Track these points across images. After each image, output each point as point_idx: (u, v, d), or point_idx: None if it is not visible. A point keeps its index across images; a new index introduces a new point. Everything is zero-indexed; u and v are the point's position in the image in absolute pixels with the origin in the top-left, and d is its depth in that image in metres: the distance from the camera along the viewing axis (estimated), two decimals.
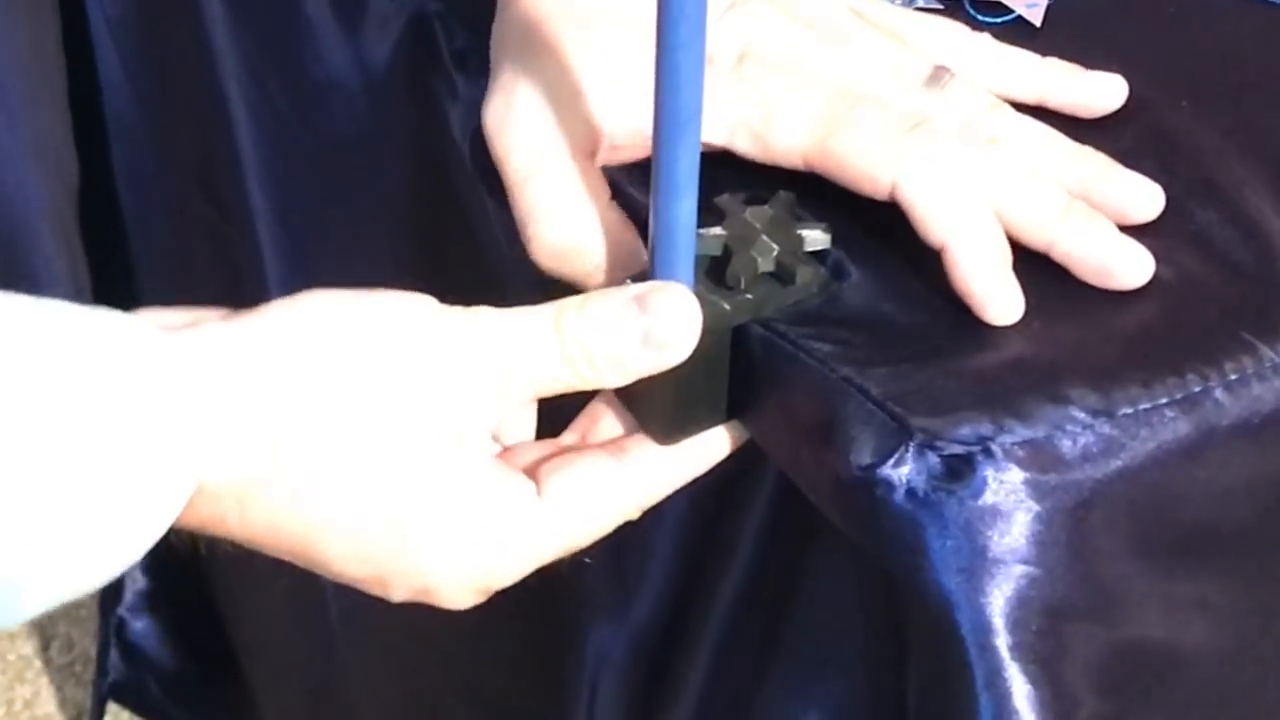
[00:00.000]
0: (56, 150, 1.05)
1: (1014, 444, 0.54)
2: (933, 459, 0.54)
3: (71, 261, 1.10)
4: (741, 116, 0.61)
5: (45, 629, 1.54)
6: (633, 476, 0.58)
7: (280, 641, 1.13)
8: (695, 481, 0.61)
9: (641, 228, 0.60)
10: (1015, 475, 0.54)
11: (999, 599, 0.54)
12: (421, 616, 0.59)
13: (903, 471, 0.54)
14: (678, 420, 0.59)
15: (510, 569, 0.57)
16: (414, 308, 0.55)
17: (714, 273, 0.58)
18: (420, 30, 0.73)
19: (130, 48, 0.99)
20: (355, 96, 0.80)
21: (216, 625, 1.22)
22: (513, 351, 0.55)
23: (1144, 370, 0.56)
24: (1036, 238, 0.59)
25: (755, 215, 0.60)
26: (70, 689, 1.51)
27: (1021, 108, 0.63)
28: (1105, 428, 0.55)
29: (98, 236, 1.09)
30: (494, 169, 0.64)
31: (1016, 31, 0.69)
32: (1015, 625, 0.54)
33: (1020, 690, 0.54)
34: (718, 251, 0.59)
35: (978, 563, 0.54)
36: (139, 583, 1.26)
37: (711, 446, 0.60)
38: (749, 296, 0.58)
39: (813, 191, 0.61)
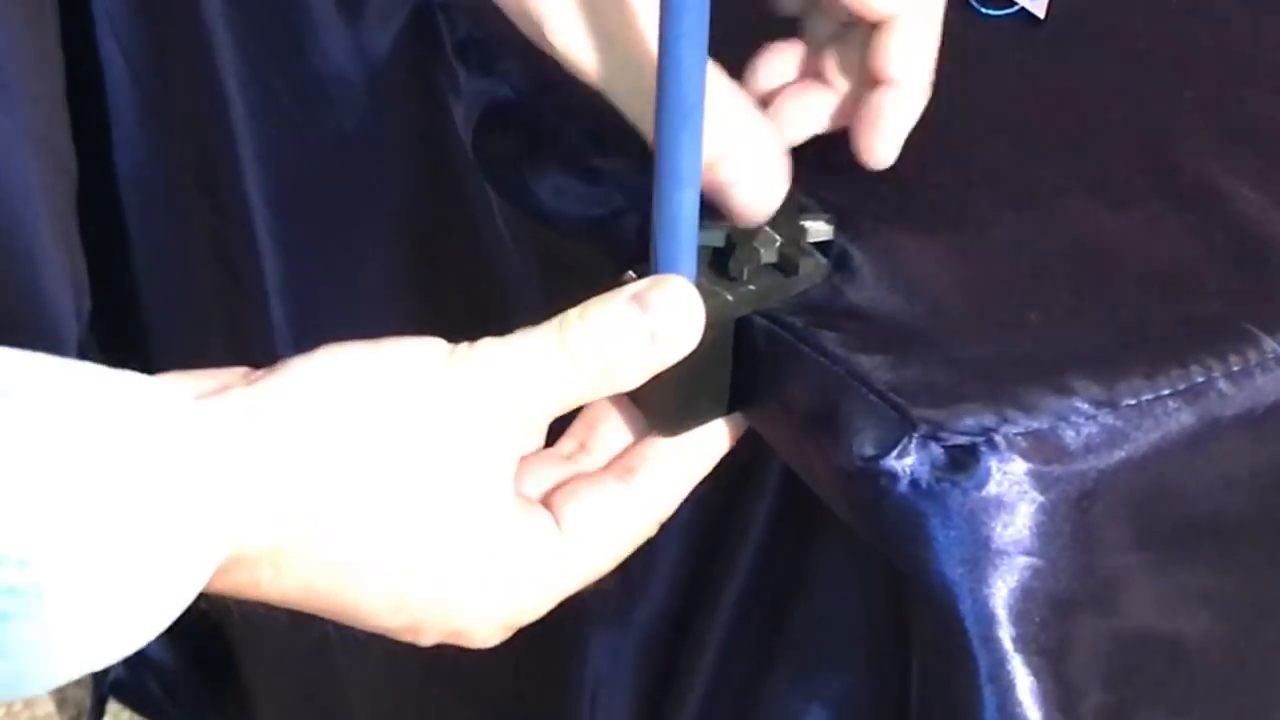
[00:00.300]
0: (56, 145, 1.05)
1: (1017, 435, 0.54)
2: (936, 450, 0.54)
3: (70, 257, 1.10)
4: None
5: None
6: (644, 498, 0.58)
7: (278, 642, 1.13)
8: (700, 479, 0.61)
9: None
10: (1019, 466, 0.54)
11: (1002, 590, 0.54)
12: None
13: (906, 462, 0.54)
14: (682, 412, 0.59)
15: (538, 606, 0.57)
16: (425, 356, 0.55)
17: (716, 264, 0.58)
18: (422, 22, 0.73)
19: (129, 42, 0.99)
20: (356, 89, 0.80)
21: (215, 626, 1.22)
22: (526, 381, 0.55)
23: (1147, 361, 0.56)
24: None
25: None
26: (70, 688, 1.50)
27: None
28: (1108, 418, 0.55)
29: (96, 232, 1.09)
30: (496, 161, 0.64)
31: (1020, 24, 0.69)
32: (1019, 616, 0.54)
33: (1024, 682, 0.54)
34: (720, 242, 0.59)
35: (981, 554, 0.53)
36: None
37: (714, 443, 0.60)
38: (751, 288, 0.58)
39: (817, 182, 0.61)
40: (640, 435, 0.60)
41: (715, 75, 0.57)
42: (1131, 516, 0.55)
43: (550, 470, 0.58)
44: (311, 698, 1.12)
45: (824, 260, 0.60)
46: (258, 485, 0.50)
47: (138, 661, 1.29)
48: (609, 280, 0.58)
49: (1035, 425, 0.54)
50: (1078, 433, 0.54)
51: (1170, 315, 0.58)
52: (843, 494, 0.56)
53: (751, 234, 0.59)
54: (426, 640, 0.56)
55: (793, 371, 0.57)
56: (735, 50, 0.61)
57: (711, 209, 0.58)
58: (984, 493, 0.53)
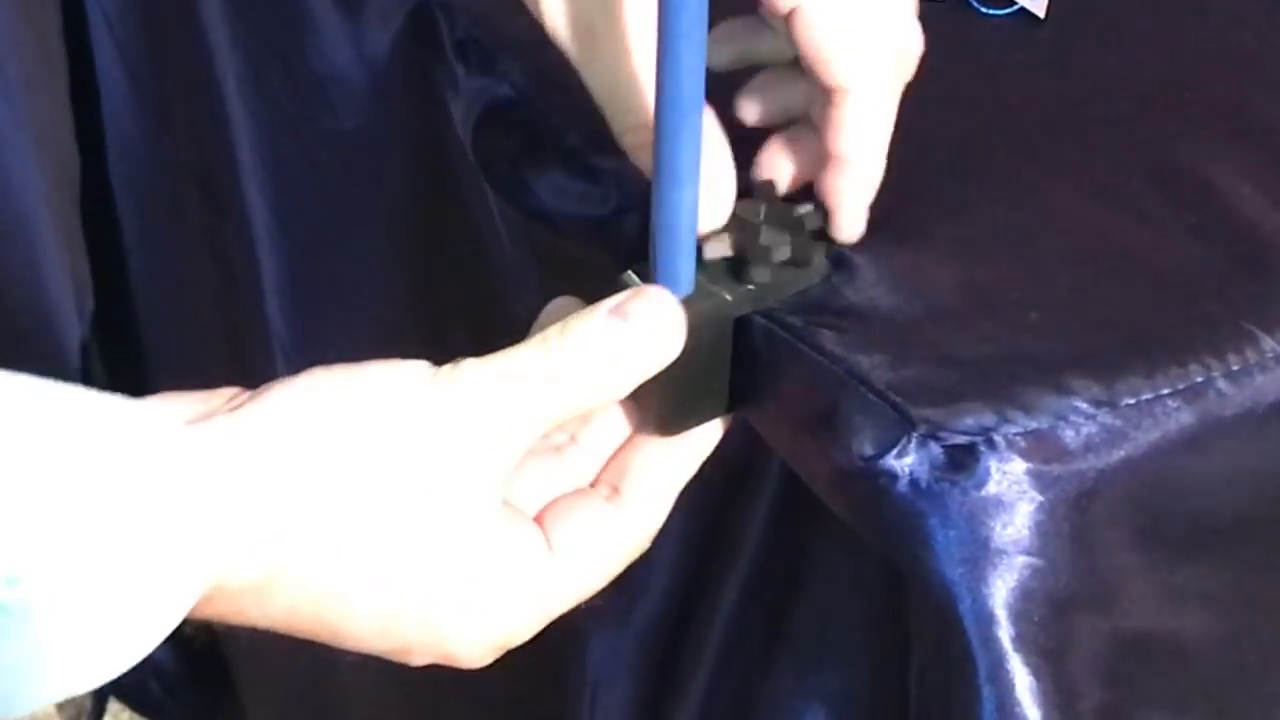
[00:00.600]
0: (57, 144, 1.05)
1: (1017, 434, 0.54)
2: (935, 449, 0.54)
3: (72, 255, 1.10)
4: None
5: None
6: (633, 517, 0.58)
7: (277, 643, 1.13)
8: (698, 478, 0.60)
9: None
10: (1018, 466, 0.54)
11: (1002, 590, 0.54)
12: None
13: (905, 462, 0.54)
14: (681, 412, 0.59)
15: (529, 627, 0.57)
16: (407, 379, 0.54)
17: (731, 270, 0.58)
18: (421, 21, 0.73)
19: (128, 43, 0.99)
20: (355, 89, 0.80)
21: (214, 626, 1.21)
22: (509, 401, 0.54)
23: (1146, 361, 0.56)
24: None
25: (745, 210, 0.59)
26: None
27: None
28: (1108, 418, 0.55)
29: (95, 231, 1.09)
30: (495, 160, 0.64)
31: (1020, 23, 0.69)
32: (1018, 616, 0.54)
33: (1023, 681, 0.54)
34: (729, 252, 0.59)
35: (980, 553, 0.53)
36: None
37: (700, 444, 0.60)
38: (750, 287, 0.58)
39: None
40: (632, 428, 0.60)
41: None
42: (1131, 516, 0.55)
43: (540, 469, 0.58)
44: (311, 698, 1.12)
45: (823, 260, 0.60)
46: (239, 516, 0.50)
47: (139, 662, 1.28)
48: (608, 280, 0.58)
49: (1035, 425, 0.54)
50: (1077, 432, 0.54)
51: (1170, 315, 0.58)
52: (842, 493, 0.56)
53: (754, 236, 0.59)
54: (417, 661, 0.56)
55: (792, 371, 0.57)
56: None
57: None
58: (983, 492, 0.53)
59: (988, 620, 0.54)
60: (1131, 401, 0.55)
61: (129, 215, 1.09)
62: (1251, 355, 0.57)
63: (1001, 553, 0.54)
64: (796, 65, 0.60)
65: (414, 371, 0.54)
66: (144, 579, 0.48)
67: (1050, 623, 0.54)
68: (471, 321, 0.81)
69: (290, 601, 0.52)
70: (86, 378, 1.13)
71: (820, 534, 0.63)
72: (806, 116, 0.62)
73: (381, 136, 0.80)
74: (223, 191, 0.94)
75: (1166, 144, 0.64)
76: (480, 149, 0.67)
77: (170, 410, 0.52)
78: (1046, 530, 0.54)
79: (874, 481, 0.54)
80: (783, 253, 0.59)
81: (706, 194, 0.56)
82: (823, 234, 0.60)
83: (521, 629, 0.56)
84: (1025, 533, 0.54)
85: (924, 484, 0.54)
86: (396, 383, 0.54)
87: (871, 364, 0.56)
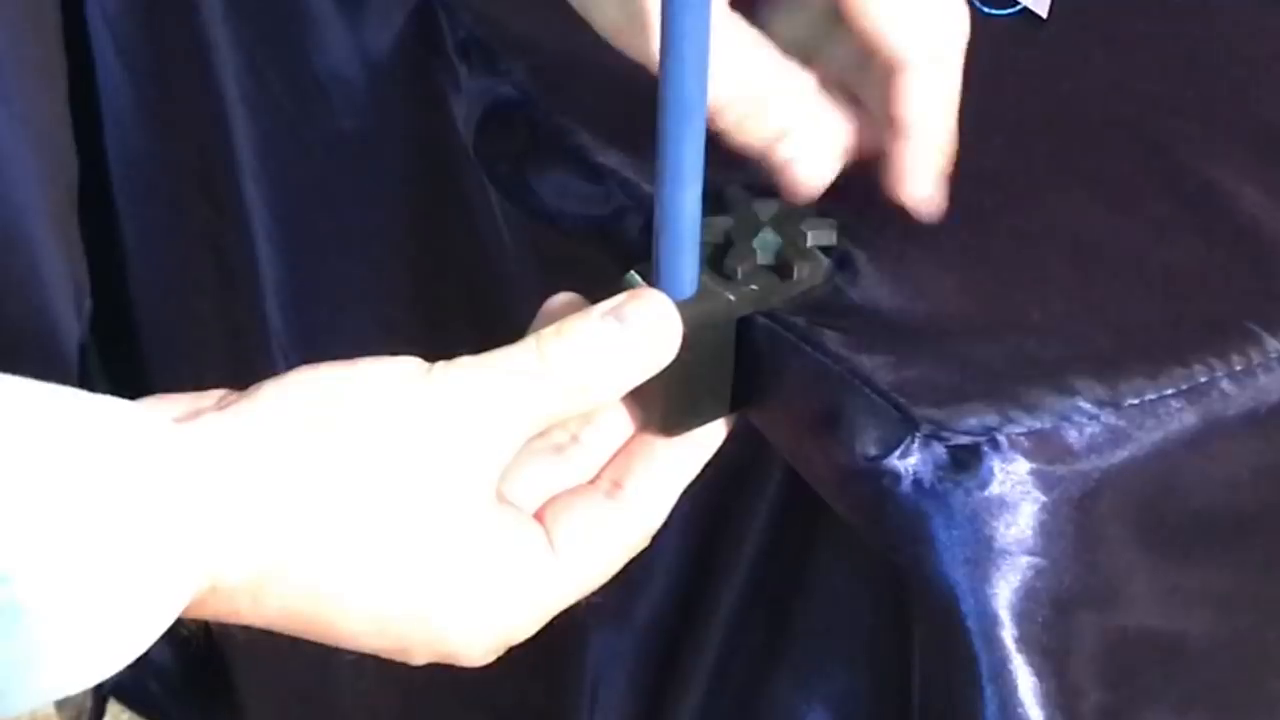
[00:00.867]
0: (56, 145, 1.05)
1: (1020, 435, 0.54)
2: (939, 450, 0.54)
3: (70, 257, 1.10)
4: None
5: None
6: (634, 513, 0.58)
7: (276, 643, 1.13)
8: (700, 477, 0.60)
9: None
10: (1021, 466, 0.54)
11: (1005, 590, 0.54)
12: None
13: (909, 462, 0.54)
14: (683, 412, 0.59)
15: (529, 625, 0.57)
16: (400, 375, 0.54)
17: (715, 260, 0.58)
18: (423, 20, 0.73)
19: (127, 43, 0.99)
20: (356, 88, 0.80)
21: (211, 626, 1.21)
22: (504, 399, 0.54)
23: (1149, 361, 0.56)
24: None
25: (761, 207, 0.59)
26: None
27: None
28: (1111, 418, 0.55)
29: (95, 231, 1.09)
30: (497, 160, 0.64)
31: (1023, 23, 0.69)
32: (1021, 616, 0.54)
33: (1025, 681, 0.54)
34: (719, 239, 0.59)
35: (984, 553, 0.53)
36: None
37: (703, 444, 0.60)
38: (753, 287, 0.58)
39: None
40: (634, 427, 0.59)
41: (774, 56, 0.58)
42: (1134, 516, 0.55)
43: (542, 467, 0.58)
44: (310, 698, 1.12)
45: (825, 262, 0.60)
46: (230, 513, 0.50)
47: (138, 662, 1.28)
48: (610, 279, 0.58)
49: (1038, 425, 0.54)
50: (1080, 432, 0.54)
51: (1173, 315, 0.58)
52: (845, 494, 0.56)
53: (751, 233, 0.59)
54: (417, 660, 0.56)
55: (795, 371, 0.57)
56: None
57: (716, 209, 0.58)
58: (987, 492, 0.53)
59: (991, 620, 0.54)
60: (1135, 401, 0.55)
61: (129, 215, 1.09)
62: (1255, 355, 0.57)
63: (1005, 553, 0.54)
64: (834, 36, 0.60)
65: (407, 368, 0.54)
66: (135, 577, 0.48)
67: (1053, 623, 0.54)
68: (472, 321, 0.81)
69: (285, 600, 0.52)
70: (85, 378, 1.13)
71: (822, 534, 0.63)
72: (835, 85, 0.61)
73: (382, 136, 0.80)
74: (223, 191, 0.94)
75: (1169, 144, 0.64)
76: (482, 149, 0.67)
77: (159, 410, 0.52)
78: (1050, 530, 0.54)
79: (877, 482, 0.54)
80: (786, 254, 0.59)
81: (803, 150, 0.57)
82: (828, 249, 0.60)
83: (522, 626, 0.56)
84: (1028, 533, 0.54)
85: (927, 484, 0.54)
86: (389, 379, 0.54)
87: (875, 364, 0.56)
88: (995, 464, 0.54)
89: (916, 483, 0.54)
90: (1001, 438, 0.54)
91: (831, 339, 0.57)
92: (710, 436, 0.60)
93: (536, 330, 0.56)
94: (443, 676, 0.56)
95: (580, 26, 0.61)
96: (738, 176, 0.61)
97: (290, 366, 0.74)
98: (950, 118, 0.59)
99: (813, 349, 0.57)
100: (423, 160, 0.78)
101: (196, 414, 0.52)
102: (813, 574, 0.65)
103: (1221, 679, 0.60)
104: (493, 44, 0.68)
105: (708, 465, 0.60)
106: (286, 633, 0.54)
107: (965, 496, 0.53)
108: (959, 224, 0.62)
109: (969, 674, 0.54)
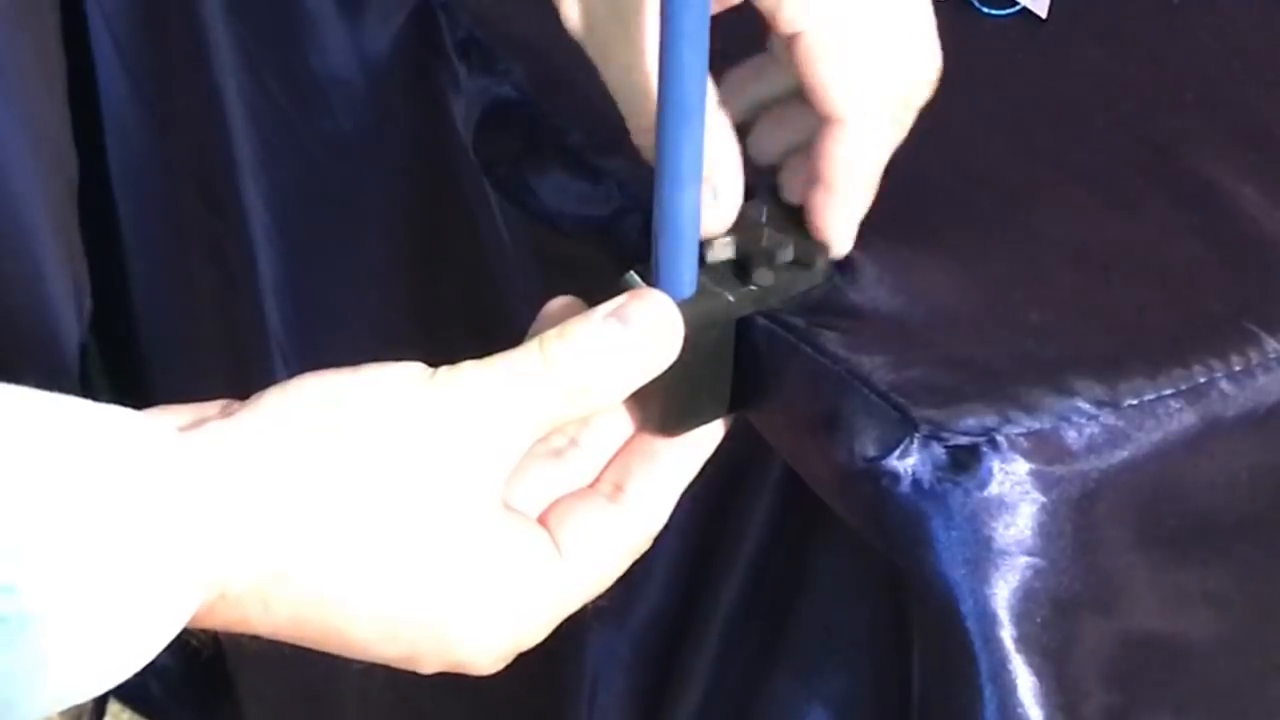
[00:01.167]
0: (57, 144, 1.05)
1: (1019, 435, 0.54)
2: (938, 450, 0.54)
3: (71, 256, 1.09)
4: None
5: None
6: (637, 515, 0.58)
7: (277, 644, 1.13)
8: (699, 477, 0.60)
9: None
10: (1020, 466, 0.54)
11: (1004, 590, 0.54)
12: None
13: (908, 463, 0.54)
14: (683, 412, 0.59)
15: (538, 631, 0.57)
16: (404, 380, 0.54)
17: (743, 275, 0.58)
18: (423, 21, 0.73)
19: (127, 43, 0.99)
20: (356, 89, 0.80)
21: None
22: (508, 403, 0.54)
23: (1149, 361, 0.56)
24: None
25: (748, 210, 0.59)
26: None
27: None
28: (1110, 419, 0.55)
29: (95, 231, 1.09)
30: (497, 160, 0.64)
31: (1022, 23, 0.69)
32: (1020, 617, 0.54)
33: (1025, 682, 0.54)
34: (733, 255, 0.59)
35: (983, 554, 0.53)
36: None
37: (702, 444, 0.60)
38: (753, 288, 0.58)
39: None
40: (632, 429, 0.59)
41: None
42: (1133, 516, 0.55)
43: (542, 471, 0.58)
44: (309, 698, 1.12)
45: (825, 260, 0.60)
46: (234, 520, 0.50)
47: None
48: (609, 280, 0.58)
49: (1037, 425, 0.54)
50: (1080, 433, 0.54)
51: (1172, 315, 0.58)
52: (844, 494, 0.56)
53: (757, 238, 0.59)
54: (426, 668, 0.56)
55: (794, 372, 0.57)
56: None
57: None
58: (986, 493, 0.53)
59: (990, 620, 0.54)
60: (1134, 402, 0.55)
61: (128, 215, 1.09)
62: (1254, 355, 0.57)
63: (1004, 553, 0.54)
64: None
65: (410, 373, 0.54)
66: (141, 586, 0.48)
67: (1053, 623, 0.54)
68: (472, 322, 0.81)
69: (294, 608, 0.52)
70: (85, 379, 1.13)
71: (821, 534, 0.63)
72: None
73: (382, 137, 0.80)
74: (222, 192, 0.94)
75: (1168, 144, 0.64)
76: (481, 149, 0.67)
77: (164, 419, 0.52)
78: (1049, 531, 0.54)
79: (876, 482, 0.54)
80: (785, 254, 0.59)
81: (713, 197, 0.56)
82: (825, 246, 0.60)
83: (532, 633, 0.56)
84: (1027, 533, 0.54)
85: (926, 484, 0.54)
86: (393, 384, 0.54)
87: (874, 365, 0.56)
88: (994, 464, 0.54)
89: (916, 483, 0.54)
90: (1001, 438, 0.54)
91: (831, 339, 0.57)
92: (709, 437, 0.60)
93: (536, 333, 0.56)
94: (442, 677, 0.56)
95: None
96: None
97: (290, 366, 0.74)
98: (871, 177, 0.59)
99: (812, 349, 0.57)
100: (422, 161, 0.78)
101: (201, 422, 0.52)
102: (812, 574, 0.65)
103: (1222, 681, 0.60)
104: (492, 44, 0.68)
105: (707, 465, 0.60)
106: (297, 642, 0.54)
107: (964, 497, 0.53)
108: (958, 224, 0.62)
109: (968, 674, 0.54)
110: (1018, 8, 0.70)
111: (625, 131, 0.59)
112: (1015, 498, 0.54)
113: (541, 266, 0.72)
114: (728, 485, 0.66)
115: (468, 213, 0.75)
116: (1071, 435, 0.54)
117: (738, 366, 0.59)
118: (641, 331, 0.55)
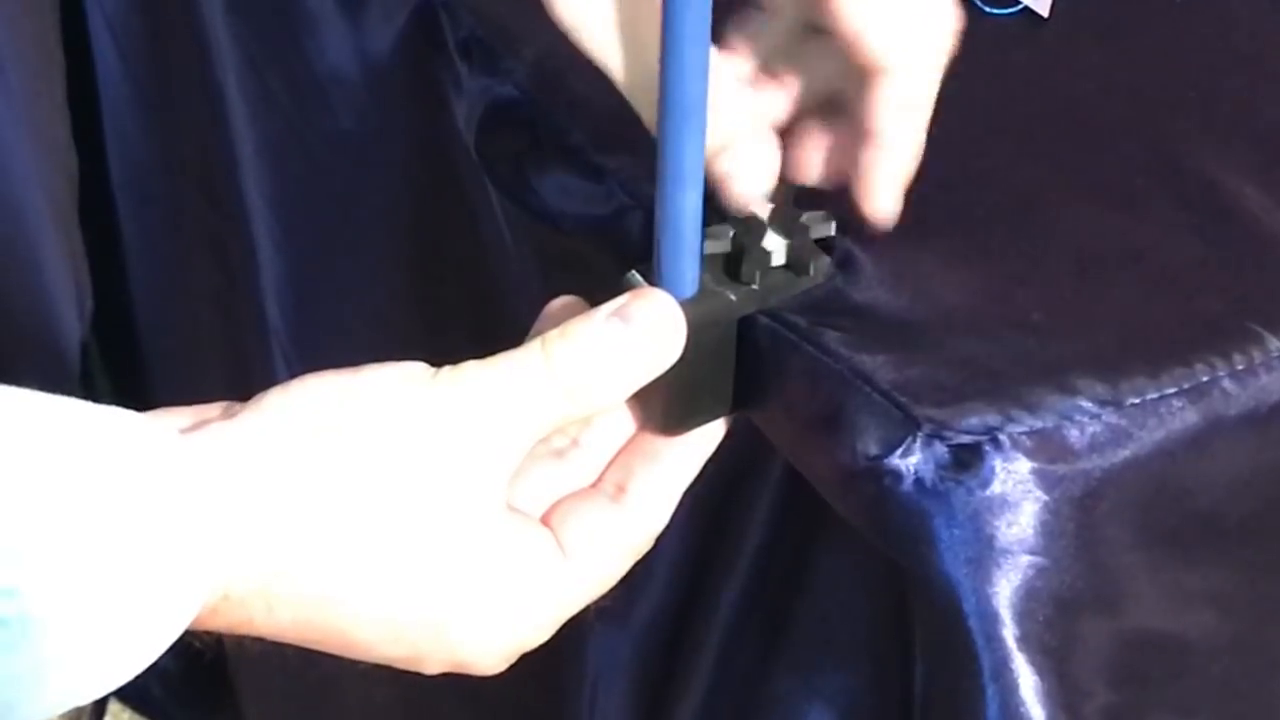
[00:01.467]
0: (57, 144, 1.05)
1: (1022, 434, 0.54)
2: (940, 449, 0.54)
3: (72, 256, 1.10)
4: None
5: None
6: (639, 515, 0.58)
7: (277, 644, 1.13)
8: (699, 476, 0.60)
9: None
10: (1023, 465, 0.54)
11: (1006, 589, 0.54)
12: None
13: (910, 461, 0.54)
14: (685, 412, 0.59)
15: (542, 632, 0.57)
16: (406, 380, 0.54)
17: (726, 267, 0.58)
18: (425, 20, 0.73)
19: (127, 43, 0.99)
20: (357, 88, 0.80)
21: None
22: (511, 403, 0.54)
23: (1151, 360, 0.56)
24: None
25: (782, 188, 0.59)
26: None
27: None
28: (1113, 418, 0.55)
29: (95, 231, 1.09)
30: (498, 160, 0.64)
31: (1024, 23, 0.69)
32: (1022, 616, 0.54)
33: (1027, 681, 0.54)
34: (727, 248, 0.59)
35: (985, 553, 0.53)
36: None
37: (703, 443, 0.60)
38: (755, 287, 0.58)
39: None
40: (635, 428, 0.59)
41: (725, 73, 0.57)
42: (1136, 516, 0.55)
43: (543, 472, 0.58)
44: (309, 698, 1.12)
45: (827, 259, 0.60)
46: (236, 521, 0.50)
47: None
48: (611, 279, 0.58)
49: (1039, 424, 0.54)
50: (1082, 432, 0.54)
51: (1174, 314, 0.58)
52: (846, 493, 0.56)
53: (758, 236, 0.59)
54: (430, 669, 0.56)
55: (796, 371, 0.57)
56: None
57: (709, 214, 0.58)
58: (988, 492, 0.53)
59: (992, 619, 0.54)
60: (1136, 401, 0.55)
61: (129, 215, 1.09)
62: (1256, 355, 0.57)
63: (1006, 552, 0.54)
64: (814, 46, 0.59)
65: (412, 373, 0.54)
66: (143, 589, 0.48)
67: (1055, 622, 0.54)
68: (473, 321, 0.81)
69: (297, 609, 0.52)
70: (87, 379, 1.13)
71: (823, 533, 0.63)
72: (831, 101, 0.61)
73: (383, 136, 0.80)
74: (223, 191, 0.94)
75: (1170, 143, 0.64)
76: (483, 148, 0.67)
77: (165, 421, 0.52)
78: (1051, 530, 0.54)
79: (879, 481, 0.54)
80: (780, 256, 0.59)
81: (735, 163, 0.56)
82: (828, 242, 0.60)
83: (536, 634, 0.56)
84: (1030, 532, 0.54)
85: (929, 483, 0.54)
86: (395, 384, 0.54)
87: (876, 364, 0.56)
88: (997, 463, 0.54)
89: (918, 482, 0.54)
90: (1003, 437, 0.54)
91: (833, 338, 0.57)
92: (710, 436, 0.60)
93: (538, 333, 0.56)
94: (444, 678, 0.56)
95: None
96: None
97: (291, 365, 0.74)
98: (921, 126, 0.59)
99: (814, 348, 0.57)
100: (423, 160, 0.78)
101: (202, 424, 0.52)
102: (813, 573, 0.65)
103: (1225, 680, 0.60)
104: (494, 43, 0.68)
105: (708, 465, 0.60)
106: (300, 643, 0.53)
107: (967, 496, 0.53)
108: (960, 223, 0.62)
109: (970, 673, 0.54)
110: (1019, 7, 0.70)
111: (626, 129, 0.59)
112: (1018, 496, 0.54)
113: (543, 265, 0.72)
114: (729, 485, 0.66)
115: (469, 212, 0.75)
116: (1074, 434, 0.54)
117: (740, 365, 0.59)
118: (644, 331, 0.55)
